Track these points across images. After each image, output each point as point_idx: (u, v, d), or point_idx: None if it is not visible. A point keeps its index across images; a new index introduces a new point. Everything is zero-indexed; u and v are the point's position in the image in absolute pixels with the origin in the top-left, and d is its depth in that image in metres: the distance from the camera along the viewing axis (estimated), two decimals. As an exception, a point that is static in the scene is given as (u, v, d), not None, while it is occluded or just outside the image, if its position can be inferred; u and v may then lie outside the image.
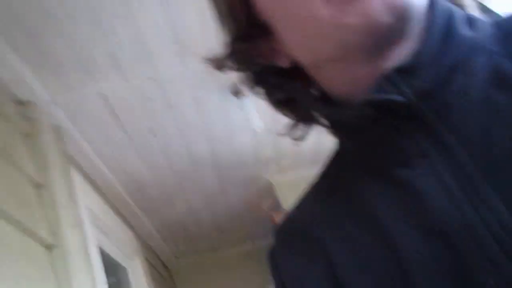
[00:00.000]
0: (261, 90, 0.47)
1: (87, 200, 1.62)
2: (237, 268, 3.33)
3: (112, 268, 1.90)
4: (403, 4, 0.34)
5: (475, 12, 0.45)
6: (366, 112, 0.37)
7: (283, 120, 0.49)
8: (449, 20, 0.38)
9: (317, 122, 0.46)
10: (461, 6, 0.41)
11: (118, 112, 1.63)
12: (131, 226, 2.40)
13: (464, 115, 0.36)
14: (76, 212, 1.42)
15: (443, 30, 0.37)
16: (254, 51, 0.45)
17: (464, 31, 0.37)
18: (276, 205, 2.59)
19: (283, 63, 0.44)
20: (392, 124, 0.37)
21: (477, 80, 0.36)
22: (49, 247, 1.22)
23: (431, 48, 0.36)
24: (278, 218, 2.46)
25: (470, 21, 0.39)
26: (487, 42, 0.37)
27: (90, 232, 1.51)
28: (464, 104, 0.36)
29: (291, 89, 0.46)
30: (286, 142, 0.50)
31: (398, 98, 0.35)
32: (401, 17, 0.34)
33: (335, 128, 0.44)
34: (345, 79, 0.40)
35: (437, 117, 0.36)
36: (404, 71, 0.36)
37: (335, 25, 0.36)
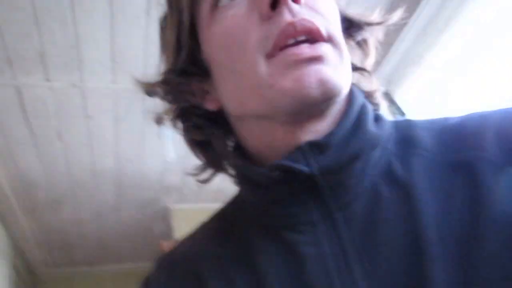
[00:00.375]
0: (181, 125, 0.48)
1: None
2: (111, 285, 3.19)
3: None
4: (333, 86, 0.37)
5: (384, 109, 0.51)
6: (274, 174, 0.39)
7: (195, 158, 0.50)
8: (361, 114, 0.42)
9: (225, 170, 0.48)
10: (373, 103, 0.47)
11: (29, 109, 1.55)
12: (5, 225, 2.20)
13: (354, 198, 0.40)
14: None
15: (355, 121, 0.41)
16: (186, 87, 0.46)
17: (371, 126, 0.42)
18: (168, 233, 2.58)
19: (211, 106, 0.46)
20: (293, 191, 0.40)
21: (371, 171, 0.40)
22: None
23: (341, 134, 0.39)
24: (167, 246, 2.45)
25: (377, 118, 0.44)
26: (386, 140, 0.42)
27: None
28: (356, 188, 0.40)
29: (210, 134, 0.47)
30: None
31: (304, 168, 0.38)
32: (328, 97, 0.38)
33: (241, 180, 0.46)
34: (264, 139, 0.43)
35: (332, 194, 0.39)
36: (315, 147, 0.39)
37: (270, 85, 0.38)
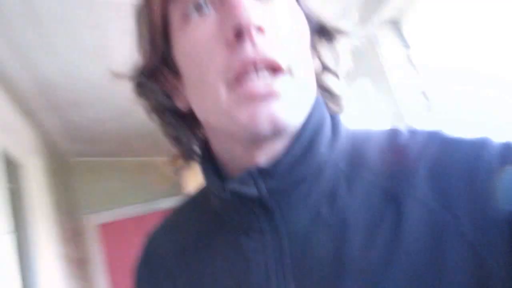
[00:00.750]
0: (156, 118, 0.50)
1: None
2: (135, 176, 3.52)
3: (11, 166, 1.94)
4: (284, 124, 0.39)
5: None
6: (226, 195, 0.43)
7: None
8: (315, 134, 0.43)
9: (194, 163, 0.51)
10: (337, 108, 0.49)
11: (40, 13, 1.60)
12: (35, 125, 2.40)
13: (297, 216, 0.43)
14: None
15: (306, 144, 0.43)
16: (159, 83, 0.48)
17: (323, 148, 0.43)
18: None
19: (181, 105, 0.47)
20: (246, 204, 0.43)
21: (317, 191, 0.43)
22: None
23: (288, 162, 0.42)
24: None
25: (335, 131, 0.46)
26: (338, 158, 0.44)
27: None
28: (300, 208, 0.43)
29: (180, 132, 0.49)
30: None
31: (252, 191, 0.42)
32: (278, 133, 0.40)
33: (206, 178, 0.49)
34: (225, 151, 0.46)
35: (279, 210, 0.42)
36: (264, 171, 0.42)
37: (227, 113, 0.40)
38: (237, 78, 0.39)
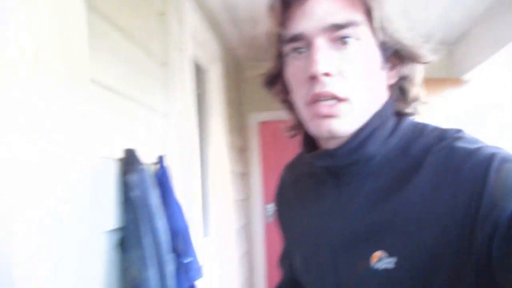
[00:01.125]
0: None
1: (191, 22, 2.04)
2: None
3: (198, 71, 2.45)
4: (337, 134, 0.60)
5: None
6: (312, 161, 0.69)
7: None
8: (368, 137, 0.62)
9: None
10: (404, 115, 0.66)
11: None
12: (219, 37, 2.84)
13: (350, 181, 0.65)
14: (183, 37, 1.87)
15: (357, 142, 0.61)
16: (278, 85, 0.71)
17: (372, 146, 0.62)
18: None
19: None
20: (322, 169, 0.68)
21: (364, 172, 0.64)
22: (162, 65, 1.73)
23: (344, 150, 0.62)
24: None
25: (393, 132, 0.63)
26: (390, 151, 0.63)
27: (189, 50, 1.98)
28: (351, 179, 0.65)
29: (291, 116, 0.73)
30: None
31: (320, 163, 0.67)
32: (333, 137, 0.62)
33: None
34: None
35: (339, 177, 0.66)
36: (330, 153, 0.64)
37: (305, 121, 0.64)
38: (311, 103, 0.61)
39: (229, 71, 3.29)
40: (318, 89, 0.59)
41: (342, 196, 0.66)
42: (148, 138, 1.52)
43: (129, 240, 1.20)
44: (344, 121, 0.60)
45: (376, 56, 0.62)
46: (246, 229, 3.77)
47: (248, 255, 3.76)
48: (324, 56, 0.58)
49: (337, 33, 0.59)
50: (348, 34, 0.59)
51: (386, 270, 0.57)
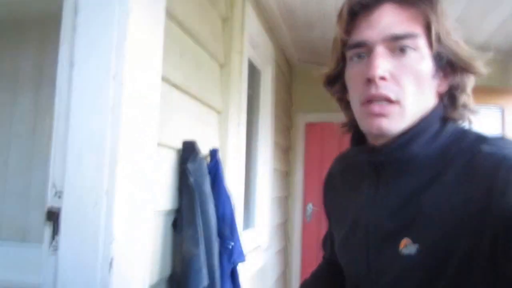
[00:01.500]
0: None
1: (250, 25, 2.19)
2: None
3: (253, 72, 2.60)
4: (386, 132, 0.67)
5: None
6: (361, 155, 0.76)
7: None
8: (411, 139, 0.67)
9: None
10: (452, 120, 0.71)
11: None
12: (275, 40, 2.97)
13: (388, 178, 0.71)
14: (242, 40, 2.02)
15: (402, 142, 0.68)
16: (337, 85, 0.79)
17: (417, 147, 0.67)
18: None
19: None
20: (368, 163, 0.75)
21: (405, 170, 0.69)
22: (221, 66, 1.89)
23: (390, 149, 0.69)
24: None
25: (437, 136, 0.68)
26: (433, 153, 0.67)
27: (246, 52, 2.13)
28: (391, 175, 0.71)
29: (346, 114, 0.81)
30: None
31: (367, 158, 0.74)
32: (382, 136, 0.69)
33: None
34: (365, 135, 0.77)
35: (380, 171, 0.72)
36: (376, 149, 0.72)
37: (359, 119, 0.72)
38: (365, 102, 0.68)
39: (281, 73, 3.42)
40: (373, 91, 0.67)
41: (381, 190, 0.74)
42: (205, 132, 1.68)
43: (184, 220, 1.36)
44: (393, 121, 0.67)
45: (429, 65, 0.69)
46: (285, 226, 3.90)
47: (285, 251, 3.89)
48: (382, 62, 0.66)
49: (396, 43, 0.67)
50: (406, 45, 0.66)
51: (409, 255, 0.65)
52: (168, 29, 1.28)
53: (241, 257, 1.68)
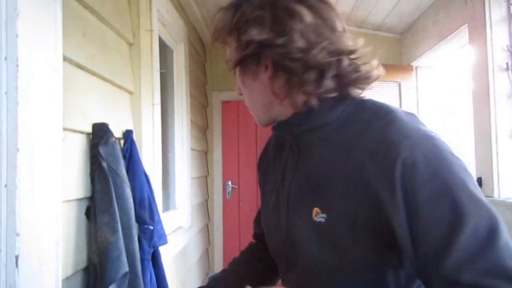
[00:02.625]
0: None
1: (158, 2, 2.10)
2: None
3: (164, 51, 2.52)
4: (266, 123, 0.81)
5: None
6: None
7: None
8: (308, 114, 0.73)
9: None
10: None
11: None
12: (185, 18, 2.90)
13: (302, 146, 0.77)
14: (150, 17, 1.95)
15: (303, 115, 0.74)
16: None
17: (316, 118, 0.73)
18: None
19: None
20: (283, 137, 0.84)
21: (312, 137, 0.75)
22: (130, 45, 1.81)
23: (291, 122, 0.76)
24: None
25: (335, 105, 0.73)
26: (334, 122, 0.73)
27: (156, 30, 2.06)
28: (303, 143, 0.77)
29: None
30: None
31: (279, 133, 0.84)
32: (272, 122, 0.80)
33: None
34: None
35: (294, 142, 0.78)
36: (283, 123, 0.77)
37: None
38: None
39: (195, 51, 3.36)
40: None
41: (300, 158, 0.78)
42: (117, 114, 1.61)
43: (98, 207, 1.31)
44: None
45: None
46: (206, 204, 3.92)
47: (207, 229, 3.92)
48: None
49: None
50: None
51: (321, 223, 0.70)
52: (67, 5, 1.18)
53: (162, 240, 1.66)
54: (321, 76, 0.71)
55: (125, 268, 1.28)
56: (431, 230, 0.58)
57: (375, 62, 0.76)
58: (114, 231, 1.30)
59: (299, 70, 0.71)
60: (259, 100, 0.79)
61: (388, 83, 3.34)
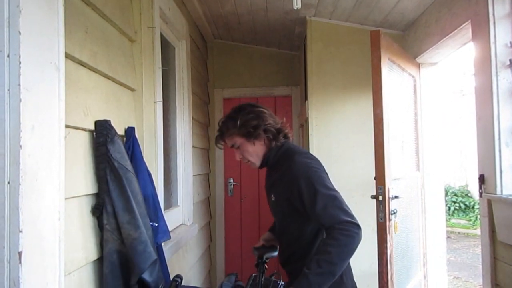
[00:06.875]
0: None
1: (160, 1, 2.10)
2: (258, 61, 4.01)
3: (166, 48, 2.52)
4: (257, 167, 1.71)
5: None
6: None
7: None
8: (269, 156, 1.66)
9: None
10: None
11: None
12: (187, 15, 2.90)
13: (272, 174, 1.69)
14: (152, 15, 1.95)
15: (266, 159, 1.66)
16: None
17: (270, 160, 1.66)
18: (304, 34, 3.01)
19: None
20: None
21: (274, 167, 1.67)
22: (132, 42, 1.81)
23: (265, 161, 1.67)
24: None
25: (275, 154, 1.66)
26: (274, 160, 1.65)
27: (158, 27, 2.06)
28: (273, 171, 1.68)
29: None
30: None
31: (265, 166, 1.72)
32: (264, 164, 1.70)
33: None
34: None
35: (271, 169, 1.71)
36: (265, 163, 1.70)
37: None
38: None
39: (197, 48, 3.36)
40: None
41: (272, 174, 1.69)
42: (120, 111, 1.61)
43: (117, 206, 1.33)
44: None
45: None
46: (208, 202, 3.92)
47: (209, 226, 3.93)
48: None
49: None
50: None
51: (274, 201, 1.64)
52: (69, 3, 1.18)
53: (166, 236, 1.67)
54: (274, 137, 1.64)
55: (153, 256, 1.39)
56: (310, 202, 1.43)
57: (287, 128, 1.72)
58: (136, 227, 1.36)
59: (271, 135, 1.64)
60: (261, 154, 1.66)
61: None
